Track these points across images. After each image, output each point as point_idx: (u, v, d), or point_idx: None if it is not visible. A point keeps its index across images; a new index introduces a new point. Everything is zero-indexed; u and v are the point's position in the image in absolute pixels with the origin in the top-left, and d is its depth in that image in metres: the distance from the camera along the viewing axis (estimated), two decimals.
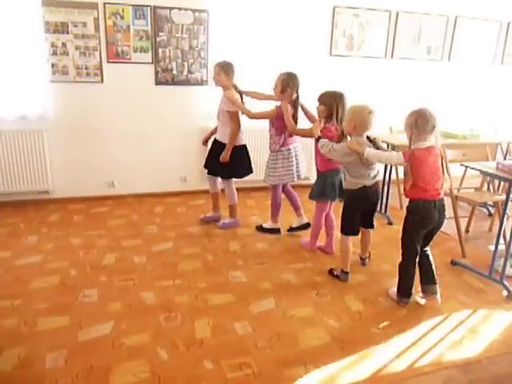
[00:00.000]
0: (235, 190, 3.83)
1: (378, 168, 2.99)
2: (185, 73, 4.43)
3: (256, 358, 2.21)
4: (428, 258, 2.75)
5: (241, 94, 3.63)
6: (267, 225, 3.82)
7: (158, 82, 4.38)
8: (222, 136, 3.64)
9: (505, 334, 2.49)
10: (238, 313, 2.59)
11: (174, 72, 4.39)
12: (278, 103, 3.41)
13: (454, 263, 3.34)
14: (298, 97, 3.40)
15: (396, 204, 4.63)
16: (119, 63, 4.19)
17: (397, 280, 2.75)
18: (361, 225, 3.06)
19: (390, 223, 4.15)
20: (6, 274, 2.95)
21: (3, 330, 2.36)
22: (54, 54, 3.98)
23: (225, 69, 3.51)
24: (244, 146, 3.70)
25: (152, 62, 4.30)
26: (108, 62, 4.16)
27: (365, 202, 2.98)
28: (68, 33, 3.96)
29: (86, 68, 4.11)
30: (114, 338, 2.32)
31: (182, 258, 3.25)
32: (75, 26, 3.97)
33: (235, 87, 3.59)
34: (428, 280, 2.73)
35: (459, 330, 2.51)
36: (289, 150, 3.51)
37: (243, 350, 2.26)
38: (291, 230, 3.79)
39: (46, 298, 2.67)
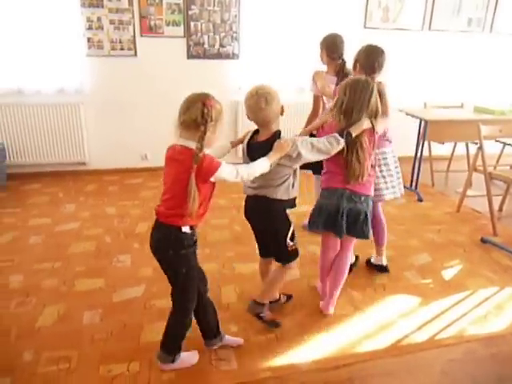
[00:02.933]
0: None
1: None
2: (216, 46, 4.44)
3: (283, 323, 2.28)
4: None
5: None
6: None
7: (189, 56, 4.42)
8: None
9: None
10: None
11: (206, 46, 4.41)
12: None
13: (483, 241, 3.28)
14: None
15: (428, 181, 4.55)
16: (152, 37, 4.25)
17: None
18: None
19: (420, 200, 4.10)
20: (47, 239, 3.14)
21: (45, 288, 2.54)
22: (90, 28, 4.08)
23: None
24: None
25: (184, 36, 4.33)
26: (141, 35, 4.23)
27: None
28: (103, 7, 4.04)
29: (120, 42, 4.19)
30: (146, 299, 2.45)
31: (212, 228, 3.34)
32: (110, 1, 4.04)
33: None
34: None
35: (484, 306, 2.50)
36: None
37: (274, 314, 2.32)
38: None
39: (83, 262, 2.83)
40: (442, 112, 4.38)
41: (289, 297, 2.50)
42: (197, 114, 1.65)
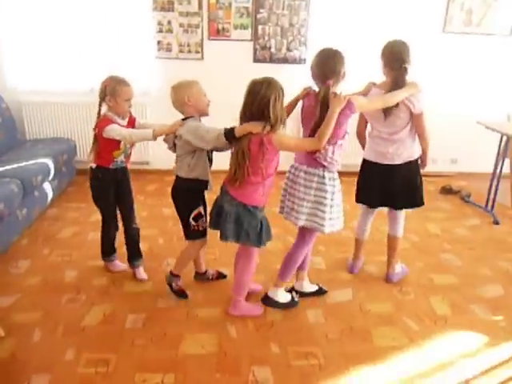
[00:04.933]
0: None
1: None
2: (283, 51, 4.35)
3: (324, 349, 2.14)
4: None
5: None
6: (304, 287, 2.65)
7: (255, 60, 4.37)
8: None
9: None
10: (313, 300, 2.53)
11: (273, 50, 4.33)
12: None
13: None
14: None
15: (506, 202, 4.11)
16: (219, 40, 4.26)
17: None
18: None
19: (496, 222, 3.71)
20: None
21: (95, 287, 2.59)
22: (160, 31, 4.17)
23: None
24: None
25: (251, 40, 4.29)
26: (209, 39, 4.25)
27: None
28: (173, 11, 4.11)
29: (188, 45, 4.24)
30: (189, 308, 2.41)
31: None
32: (180, 4, 4.10)
33: None
34: None
35: None
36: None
37: (312, 340, 2.20)
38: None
39: None
40: None
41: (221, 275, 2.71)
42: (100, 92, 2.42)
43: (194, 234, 2.37)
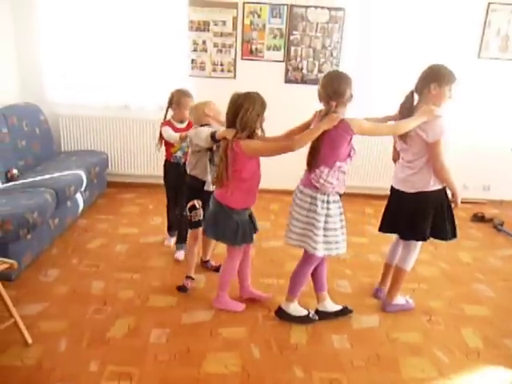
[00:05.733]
0: None
1: None
2: (315, 72, 4.38)
3: (349, 376, 2.08)
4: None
5: None
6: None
7: (287, 81, 4.41)
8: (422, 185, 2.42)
9: None
10: (338, 325, 2.48)
11: (304, 71, 4.37)
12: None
13: None
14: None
15: None
16: (252, 60, 4.32)
17: None
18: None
19: None
20: (132, 249, 3.26)
21: (121, 299, 2.61)
22: (195, 50, 4.27)
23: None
24: None
25: (283, 60, 4.34)
26: (242, 59, 4.32)
27: None
28: (208, 31, 4.21)
29: (221, 64, 4.32)
30: (213, 326, 2.40)
31: (290, 257, 3.22)
32: (215, 25, 4.20)
33: None
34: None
35: None
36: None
37: (337, 366, 2.15)
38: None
39: (159, 277, 2.88)
40: None
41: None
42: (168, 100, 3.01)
43: (190, 223, 2.74)
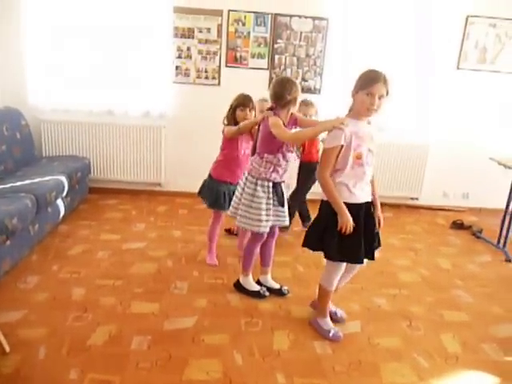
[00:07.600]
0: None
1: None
2: (298, 80, 4.42)
3: (331, 382, 2.09)
4: None
5: None
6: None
7: None
8: None
9: None
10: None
11: None
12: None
13: None
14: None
15: None
16: (236, 68, 4.35)
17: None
18: None
19: (509, 260, 3.66)
20: (113, 256, 3.23)
21: (102, 306, 2.58)
22: (179, 57, 4.28)
23: None
24: None
25: (267, 68, 4.38)
26: (226, 66, 4.34)
27: None
28: (193, 38, 4.23)
29: (206, 71, 4.34)
30: (195, 332, 2.38)
31: (274, 264, 3.23)
32: (200, 32, 4.22)
33: None
34: None
35: None
36: None
37: (319, 371, 2.16)
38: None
39: (142, 284, 2.85)
40: None
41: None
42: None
43: None
